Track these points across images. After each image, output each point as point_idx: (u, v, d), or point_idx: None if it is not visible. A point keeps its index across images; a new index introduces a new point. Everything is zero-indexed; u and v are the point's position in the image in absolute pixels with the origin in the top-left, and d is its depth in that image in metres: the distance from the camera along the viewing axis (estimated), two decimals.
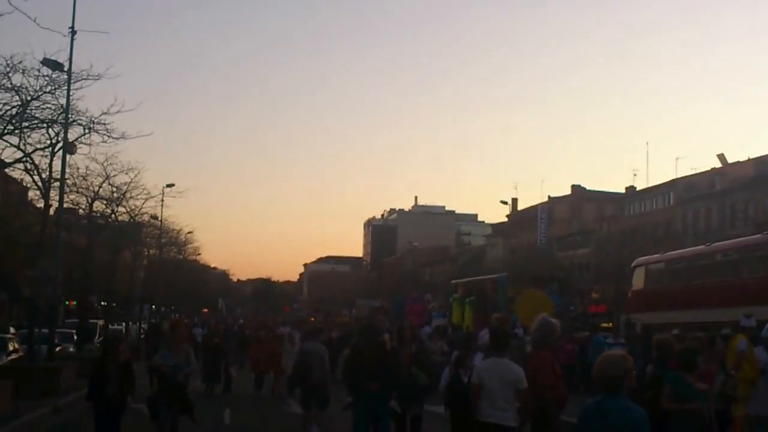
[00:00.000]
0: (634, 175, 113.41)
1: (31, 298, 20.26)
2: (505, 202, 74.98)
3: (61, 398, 16.78)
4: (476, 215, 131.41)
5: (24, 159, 19.61)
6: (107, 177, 26.38)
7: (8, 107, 18.05)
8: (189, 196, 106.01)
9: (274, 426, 15.70)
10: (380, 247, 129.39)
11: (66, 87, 18.65)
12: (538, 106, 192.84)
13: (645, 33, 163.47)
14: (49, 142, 19.66)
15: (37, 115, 18.90)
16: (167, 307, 58.47)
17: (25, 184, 24.27)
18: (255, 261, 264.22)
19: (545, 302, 19.52)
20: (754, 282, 20.39)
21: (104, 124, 19.76)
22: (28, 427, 14.10)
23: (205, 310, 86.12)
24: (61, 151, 19.55)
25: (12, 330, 26.70)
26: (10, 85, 17.85)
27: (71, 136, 19.71)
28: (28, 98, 18.29)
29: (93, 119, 19.71)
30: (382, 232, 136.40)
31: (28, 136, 19.22)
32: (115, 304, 42.85)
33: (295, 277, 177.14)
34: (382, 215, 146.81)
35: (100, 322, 32.64)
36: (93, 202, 26.83)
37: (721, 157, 58.80)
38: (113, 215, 29.73)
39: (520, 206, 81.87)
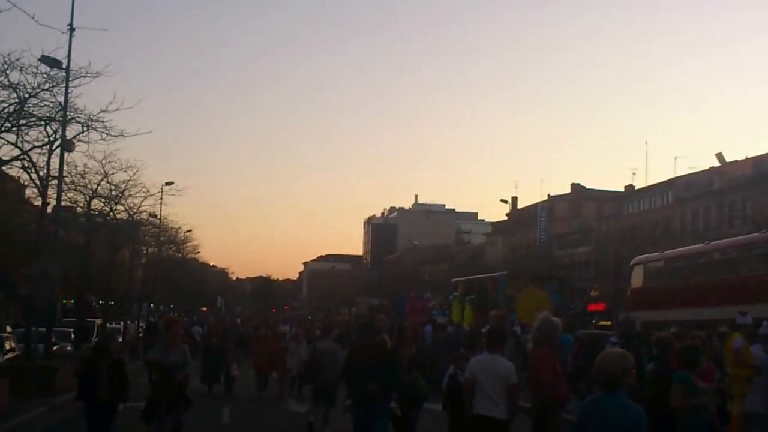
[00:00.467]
0: (633, 174, 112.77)
1: (29, 296, 20.13)
2: (505, 201, 75.23)
3: (58, 397, 16.70)
4: (476, 214, 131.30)
5: (21, 157, 19.50)
6: (106, 175, 26.20)
7: (6, 104, 18.05)
8: (188, 194, 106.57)
9: (273, 426, 15.62)
10: (380, 245, 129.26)
11: (64, 84, 18.57)
12: (538, 105, 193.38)
13: (645, 33, 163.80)
14: (47, 139, 19.62)
15: (35, 112, 18.86)
16: (166, 305, 58.39)
17: (22, 182, 24.15)
18: (254, 259, 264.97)
19: (545, 301, 19.53)
20: (752, 280, 20.44)
21: (103, 121, 19.73)
22: (25, 426, 14.05)
23: (204, 308, 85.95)
24: (59, 149, 19.46)
25: (9, 329, 26.61)
26: (7, 83, 17.84)
27: (69, 134, 19.67)
28: (26, 95, 18.25)
29: (91, 117, 19.67)
30: (382, 230, 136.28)
31: (26, 134, 19.16)
32: (113, 303, 42.85)
33: (294, 276, 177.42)
34: (382, 213, 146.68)
35: (98, 321, 32.62)
36: (91, 200, 26.70)
37: (720, 156, 58.86)
38: (112, 213, 29.59)
39: (520, 205, 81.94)
